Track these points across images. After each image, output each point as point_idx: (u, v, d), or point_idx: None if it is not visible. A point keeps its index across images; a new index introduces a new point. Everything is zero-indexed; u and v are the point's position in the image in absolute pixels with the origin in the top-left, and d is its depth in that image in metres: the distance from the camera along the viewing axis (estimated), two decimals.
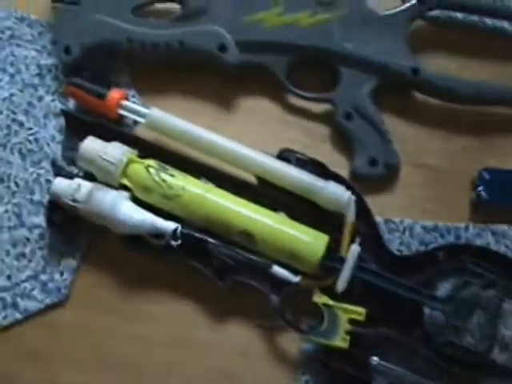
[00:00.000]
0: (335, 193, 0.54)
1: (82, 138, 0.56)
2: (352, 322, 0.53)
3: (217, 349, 0.56)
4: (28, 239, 0.58)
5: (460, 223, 0.58)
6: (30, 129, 0.60)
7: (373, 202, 0.56)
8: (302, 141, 0.59)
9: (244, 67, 0.59)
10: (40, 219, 0.58)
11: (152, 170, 0.55)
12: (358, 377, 0.54)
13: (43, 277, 0.57)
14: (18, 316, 0.57)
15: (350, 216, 0.54)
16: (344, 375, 0.54)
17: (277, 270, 0.54)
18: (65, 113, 0.60)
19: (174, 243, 0.54)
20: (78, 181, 0.55)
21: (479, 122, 0.61)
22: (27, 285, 0.57)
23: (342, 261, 0.53)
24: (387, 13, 0.60)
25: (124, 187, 0.55)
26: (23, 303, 0.57)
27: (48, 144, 0.60)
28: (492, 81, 0.60)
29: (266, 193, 0.56)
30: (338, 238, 0.54)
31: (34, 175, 0.59)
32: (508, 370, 0.55)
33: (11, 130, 0.60)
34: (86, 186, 0.55)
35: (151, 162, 0.55)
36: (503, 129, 0.61)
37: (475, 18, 0.62)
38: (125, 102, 0.57)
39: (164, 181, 0.55)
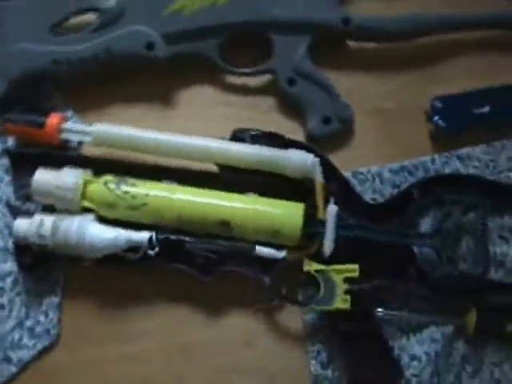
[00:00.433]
0: (298, 159, 0.53)
1: (32, 172, 0.54)
2: (347, 280, 0.53)
3: (221, 346, 0.55)
4: (2, 289, 0.55)
5: (425, 157, 0.58)
6: None
7: (336, 158, 0.56)
8: (251, 117, 0.58)
9: (176, 59, 0.58)
10: (9, 265, 0.55)
11: (111, 185, 0.53)
12: (367, 332, 0.54)
13: (28, 322, 0.55)
14: (14, 369, 0.54)
15: (318, 178, 0.53)
16: (353, 335, 0.53)
17: (260, 250, 0.53)
18: (7, 151, 0.57)
19: (151, 252, 0.53)
20: (39, 217, 0.53)
21: (415, 55, 0.61)
22: (14, 335, 0.55)
23: (323, 224, 0.53)
24: None
25: (87, 210, 0.53)
26: (15, 355, 0.55)
27: None
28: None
29: (230, 178, 0.54)
30: (312, 204, 0.53)
31: None
32: (506, 285, 0.56)
33: None
34: (49, 219, 0.53)
35: (108, 177, 0.54)
36: (440, 55, 0.61)
37: None
38: (64, 125, 0.55)
39: (126, 192, 0.53)
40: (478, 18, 0.60)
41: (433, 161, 0.58)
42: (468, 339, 0.55)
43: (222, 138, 0.55)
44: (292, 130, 0.58)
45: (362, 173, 0.58)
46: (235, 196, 0.54)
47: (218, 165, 0.55)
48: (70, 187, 0.52)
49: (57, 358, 0.55)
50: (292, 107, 0.59)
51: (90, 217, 0.53)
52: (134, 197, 0.53)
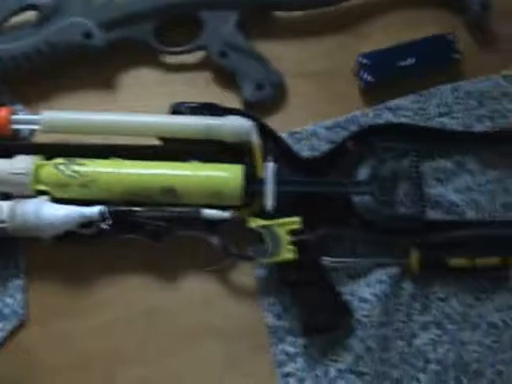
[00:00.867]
0: (235, 125, 0.57)
1: None
2: (292, 232, 0.55)
3: (180, 308, 0.57)
4: None
5: (357, 112, 0.61)
6: None
7: (273, 121, 0.60)
8: (191, 92, 0.62)
9: (114, 45, 0.61)
10: None
11: (62, 167, 0.56)
12: (315, 281, 0.56)
13: None
14: None
15: (255, 140, 0.56)
16: (302, 284, 0.56)
17: (206, 212, 0.55)
18: None
19: (104, 225, 0.56)
20: None
21: (340, 18, 0.64)
22: None
23: (263, 182, 0.56)
24: None
25: (42, 193, 0.56)
26: None
27: None
28: None
29: (173, 150, 0.57)
30: (252, 165, 0.56)
31: None
32: (444, 222, 0.59)
33: None
34: (7, 204, 0.55)
35: (58, 160, 0.57)
36: (363, 15, 0.65)
37: None
38: (14, 116, 0.58)
39: (76, 171, 0.56)
40: None
41: (365, 114, 0.61)
42: (414, 278, 0.58)
43: (162, 114, 0.58)
44: (230, 99, 0.61)
45: (297, 132, 0.61)
46: (179, 164, 0.57)
47: (160, 138, 0.58)
48: (23, 172, 0.56)
49: (29, 336, 0.58)
50: (227, 79, 0.62)
51: (45, 198, 0.56)
52: (83, 175, 0.56)
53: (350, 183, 0.57)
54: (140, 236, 0.56)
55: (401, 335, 0.57)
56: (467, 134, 0.61)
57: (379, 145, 0.58)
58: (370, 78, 0.61)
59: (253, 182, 0.56)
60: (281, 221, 0.56)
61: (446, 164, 0.60)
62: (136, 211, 0.56)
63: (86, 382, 0.57)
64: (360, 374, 0.56)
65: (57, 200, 0.56)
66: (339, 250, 0.58)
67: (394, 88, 0.61)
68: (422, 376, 0.56)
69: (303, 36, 0.63)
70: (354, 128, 0.60)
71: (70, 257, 0.58)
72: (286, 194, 0.56)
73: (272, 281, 0.57)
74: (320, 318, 0.56)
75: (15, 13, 0.61)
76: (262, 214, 0.56)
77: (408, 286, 0.58)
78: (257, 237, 0.56)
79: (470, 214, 0.59)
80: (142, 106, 0.61)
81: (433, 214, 0.59)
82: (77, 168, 0.56)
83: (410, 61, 0.61)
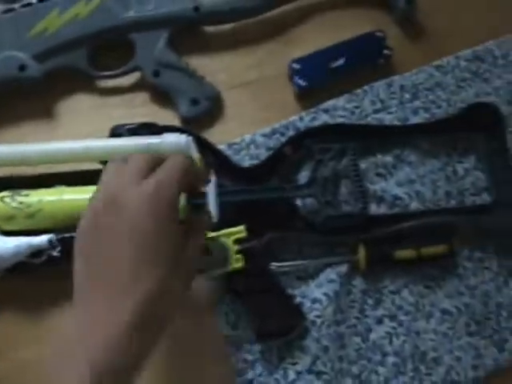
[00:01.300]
0: (172, 142, 0.56)
1: None
2: (238, 241, 0.56)
3: None
4: None
5: (293, 116, 0.62)
6: None
7: (211, 134, 0.61)
8: (129, 113, 0.63)
9: (50, 74, 0.62)
10: None
11: (7, 199, 0.57)
12: (265, 287, 0.57)
13: None
14: None
15: (194, 154, 0.57)
16: (253, 291, 0.57)
17: None
18: None
19: (54, 253, 0.57)
20: None
21: (270, 26, 0.65)
22: None
23: (205, 195, 0.57)
24: None
25: None
26: None
27: None
28: None
29: None
30: None
31: None
32: (387, 216, 0.60)
33: None
34: None
35: (3, 192, 0.57)
36: (292, 22, 0.66)
37: None
38: None
39: (21, 203, 0.57)
40: None
41: (301, 119, 0.62)
42: (364, 274, 0.59)
43: (102, 138, 0.59)
44: (168, 117, 0.62)
45: (236, 143, 0.61)
46: None
47: (101, 162, 0.59)
48: None
49: None
50: (163, 97, 0.63)
51: None
52: (28, 205, 0.57)
53: (291, 187, 0.58)
54: None
55: (356, 331, 0.58)
56: (404, 127, 0.62)
57: (316, 147, 0.59)
58: (302, 83, 0.62)
59: (195, 196, 0.56)
60: (226, 231, 0.56)
61: (385, 159, 0.61)
62: None
63: None
64: (319, 374, 0.56)
65: (5, 232, 0.57)
66: (287, 254, 0.58)
67: (328, 90, 0.62)
68: (380, 369, 0.57)
69: (236, 47, 0.64)
70: (291, 133, 0.61)
71: (22, 287, 0.58)
72: (230, 204, 0.56)
73: (224, 290, 0.58)
74: (272, 324, 0.56)
75: None
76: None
77: (358, 283, 0.58)
78: (205, 249, 0.57)
79: (414, 206, 0.60)
80: (82, 132, 0.61)
81: (378, 210, 0.60)
82: (21, 199, 0.57)
83: (341, 61, 0.62)
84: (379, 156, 0.61)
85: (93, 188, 0.58)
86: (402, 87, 0.63)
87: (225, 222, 0.56)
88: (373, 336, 0.58)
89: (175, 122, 0.61)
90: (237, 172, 0.59)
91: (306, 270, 0.59)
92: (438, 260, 0.58)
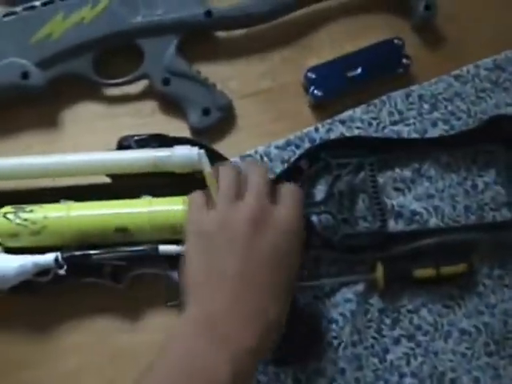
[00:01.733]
0: (184, 154, 0.54)
1: None
2: None
3: (145, 347, 0.54)
4: None
5: (309, 128, 0.60)
6: None
7: (223, 145, 0.58)
8: (137, 123, 0.60)
9: (54, 82, 0.59)
10: None
11: (10, 216, 0.54)
12: None
13: None
14: None
15: (206, 168, 0.54)
16: None
17: (163, 248, 0.53)
18: None
19: (61, 271, 0.55)
20: None
21: (285, 32, 0.63)
22: None
23: None
24: None
25: None
26: None
27: None
28: None
29: (123, 186, 0.56)
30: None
31: None
32: (405, 233, 0.58)
33: None
34: None
35: (6, 208, 0.55)
36: (308, 28, 0.63)
37: None
38: None
39: (26, 220, 0.54)
40: None
41: (316, 130, 0.60)
42: (381, 293, 0.57)
43: (109, 149, 0.57)
44: (178, 127, 0.60)
45: (249, 155, 0.59)
46: (129, 202, 0.55)
47: (108, 175, 0.57)
48: None
49: None
50: (173, 106, 0.60)
51: None
52: (33, 222, 0.54)
53: (308, 204, 0.56)
54: (98, 278, 0.55)
55: (373, 352, 0.56)
56: (423, 141, 0.60)
57: (334, 162, 0.57)
58: (319, 93, 0.59)
59: None
60: None
61: (404, 173, 0.59)
62: (92, 254, 0.55)
63: None
64: None
65: (9, 249, 0.55)
66: (303, 273, 0.56)
67: (344, 100, 0.60)
68: None
69: (249, 54, 0.62)
70: (307, 145, 0.59)
71: (28, 306, 0.56)
72: None
73: None
74: (289, 349, 0.54)
75: None
76: None
77: (376, 302, 0.57)
78: None
79: (433, 222, 0.58)
80: (87, 142, 0.59)
81: (395, 225, 0.58)
82: (26, 216, 0.54)
83: (359, 70, 0.60)
84: (397, 170, 0.59)
85: (101, 204, 0.58)
86: (420, 97, 0.61)
87: None
88: (390, 357, 0.56)
89: (185, 132, 0.59)
90: None
91: (323, 288, 0.57)
92: (457, 279, 0.57)
